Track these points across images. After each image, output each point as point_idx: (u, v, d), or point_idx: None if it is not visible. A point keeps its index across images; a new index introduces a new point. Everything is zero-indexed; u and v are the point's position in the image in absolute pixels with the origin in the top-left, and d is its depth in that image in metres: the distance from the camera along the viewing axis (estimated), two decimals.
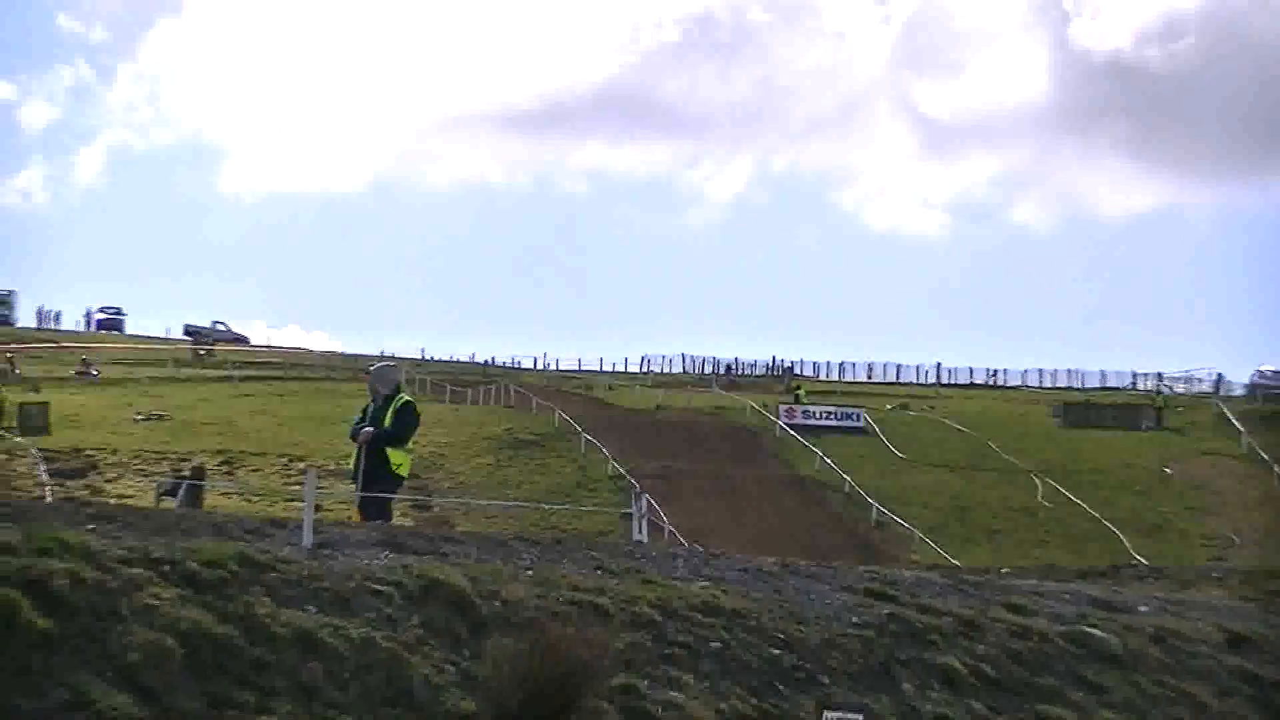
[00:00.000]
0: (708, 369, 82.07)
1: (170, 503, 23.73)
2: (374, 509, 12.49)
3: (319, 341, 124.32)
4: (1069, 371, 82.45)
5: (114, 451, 43.52)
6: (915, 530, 42.79)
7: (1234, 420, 59.23)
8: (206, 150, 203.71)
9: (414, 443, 13.47)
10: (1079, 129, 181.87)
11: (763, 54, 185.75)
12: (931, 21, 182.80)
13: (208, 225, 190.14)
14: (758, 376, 79.58)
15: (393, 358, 66.83)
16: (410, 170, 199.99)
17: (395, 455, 12.90)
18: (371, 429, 12.87)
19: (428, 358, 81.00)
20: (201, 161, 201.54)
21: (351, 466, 13.30)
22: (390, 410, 12.95)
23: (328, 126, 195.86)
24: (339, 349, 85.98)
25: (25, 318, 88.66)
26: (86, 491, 35.43)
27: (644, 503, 14.91)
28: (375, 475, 12.73)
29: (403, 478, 13.24)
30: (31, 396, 51.49)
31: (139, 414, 50.75)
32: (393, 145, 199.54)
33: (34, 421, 46.23)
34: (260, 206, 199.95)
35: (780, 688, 8.43)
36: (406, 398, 13.39)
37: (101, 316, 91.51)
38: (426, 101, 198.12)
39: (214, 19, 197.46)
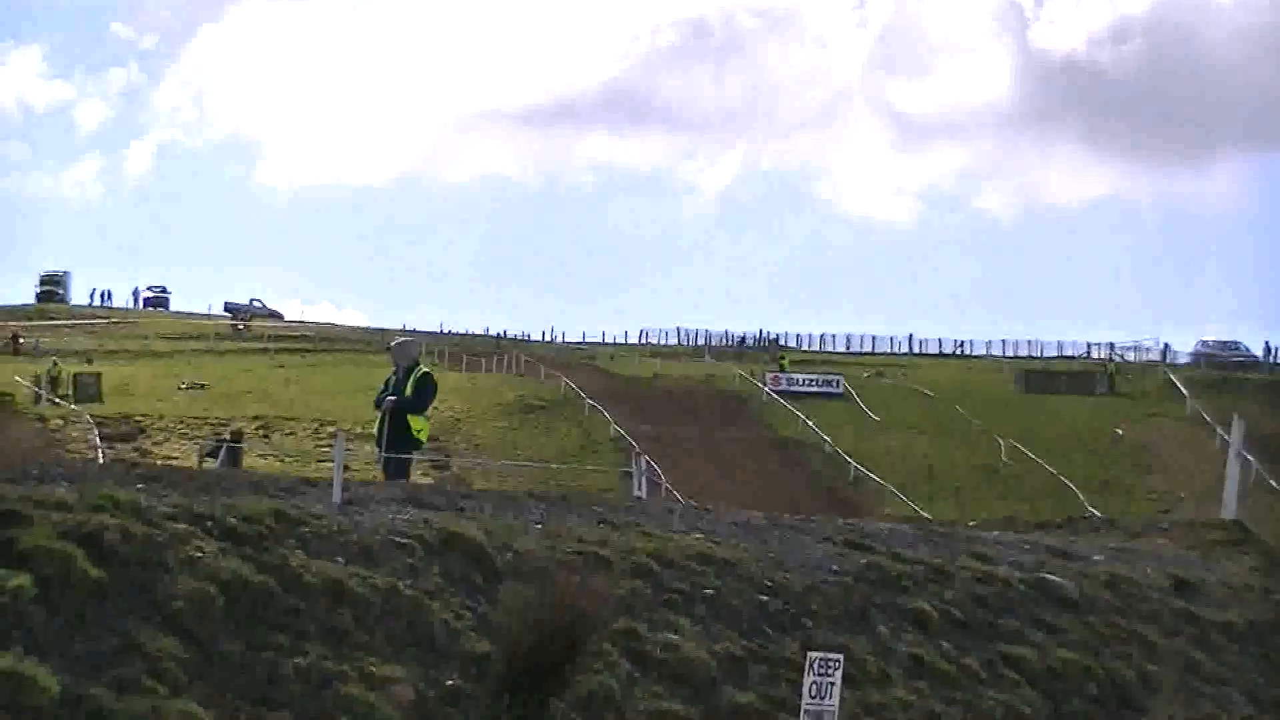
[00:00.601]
0: (700, 341, 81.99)
1: (211, 464, 23.67)
2: (396, 469, 12.50)
3: (349, 317, 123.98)
4: (1029, 342, 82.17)
5: (160, 418, 43.53)
6: (888, 486, 42.76)
7: (1180, 386, 59.09)
8: (245, 146, 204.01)
9: (432, 409, 13.46)
10: (1037, 124, 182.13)
11: (752, 57, 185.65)
12: (904, 27, 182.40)
13: (246, 214, 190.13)
14: (747, 348, 79.57)
15: (413, 332, 66.62)
16: (432, 163, 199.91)
17: (415, 421, 12.89)
18: (394, 397, 12.86)
19: (446, 331, 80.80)
20: (240, 157, 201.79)
21: (376, 431, 13.29)
22: (411, 381, 12.92)
23: (355, 124, 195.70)
24: (365, 323, 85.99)
25: (79, 296, 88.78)
26: (135, 454, 35.51)
27: (643, 463, 14.92)
28: (397, 439, 12.71)
29: (422, 441, 13.22)
30: (85, 367, 51.55)
31: (183, 384, 50.75)
32: (415, 141, 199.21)
33: (88, 391, 46.32)
34: (294, 197, 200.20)
35: (767, 630, 8.45)
36: (425, 369, 13.37)
37: (148, 295, 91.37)
38: (446, 101, 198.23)
39: (252, 27, 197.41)
